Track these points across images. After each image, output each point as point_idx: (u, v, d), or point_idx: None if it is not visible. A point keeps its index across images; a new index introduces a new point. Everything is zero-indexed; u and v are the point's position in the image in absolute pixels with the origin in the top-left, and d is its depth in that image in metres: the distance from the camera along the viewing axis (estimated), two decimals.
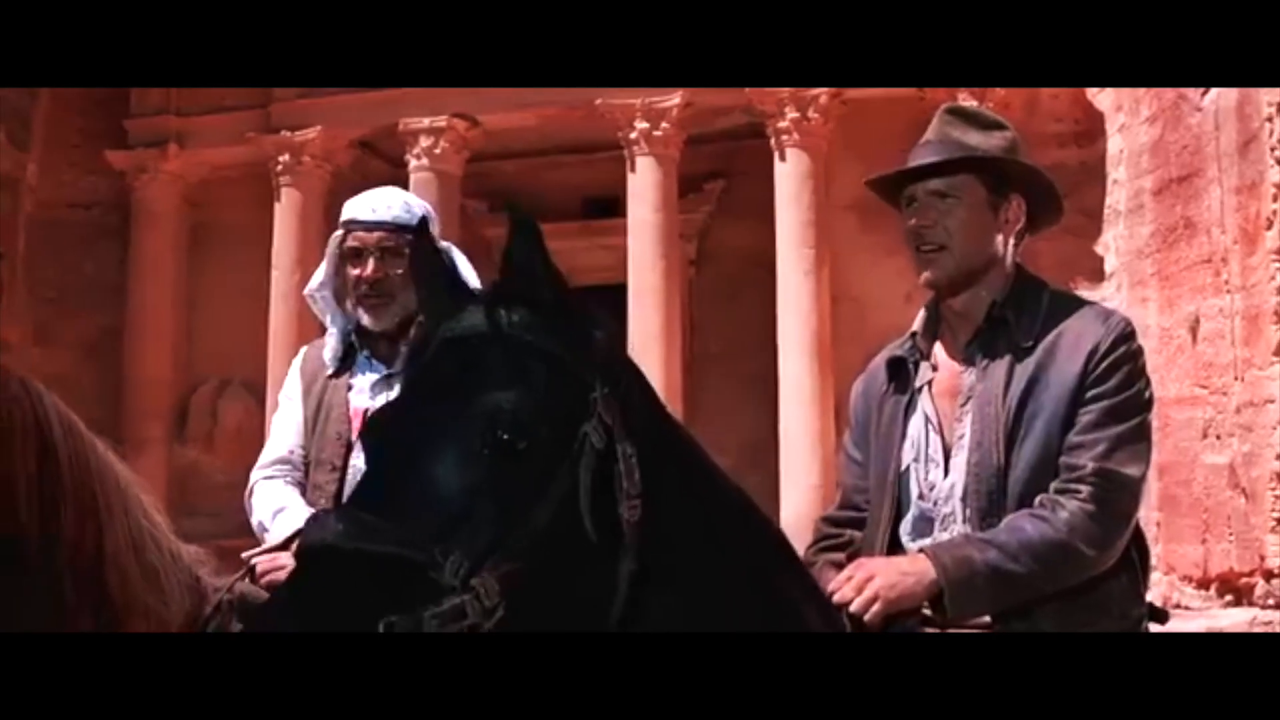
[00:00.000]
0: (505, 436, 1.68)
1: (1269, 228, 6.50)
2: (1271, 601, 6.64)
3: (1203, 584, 7.29)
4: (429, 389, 1.77)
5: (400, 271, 3.18)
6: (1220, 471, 7.02)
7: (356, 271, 3.25)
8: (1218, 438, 7.09)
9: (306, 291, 3.41)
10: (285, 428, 3.38)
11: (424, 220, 1.96)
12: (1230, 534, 6.93)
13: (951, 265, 2.54)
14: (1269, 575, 6.62)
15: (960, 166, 2.54)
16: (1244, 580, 6.86)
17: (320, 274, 3.37)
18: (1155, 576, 7.22)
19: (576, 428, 1.74)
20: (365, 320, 3.28)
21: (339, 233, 3.31)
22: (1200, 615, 6.87)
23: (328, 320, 3.39)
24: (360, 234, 3.25)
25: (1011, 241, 2.60)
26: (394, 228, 3.23)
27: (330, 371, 3.34)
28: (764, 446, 12.96)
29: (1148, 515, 7.44)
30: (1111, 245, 9.72)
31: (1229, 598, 7.02)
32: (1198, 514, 7.29)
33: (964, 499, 2.47)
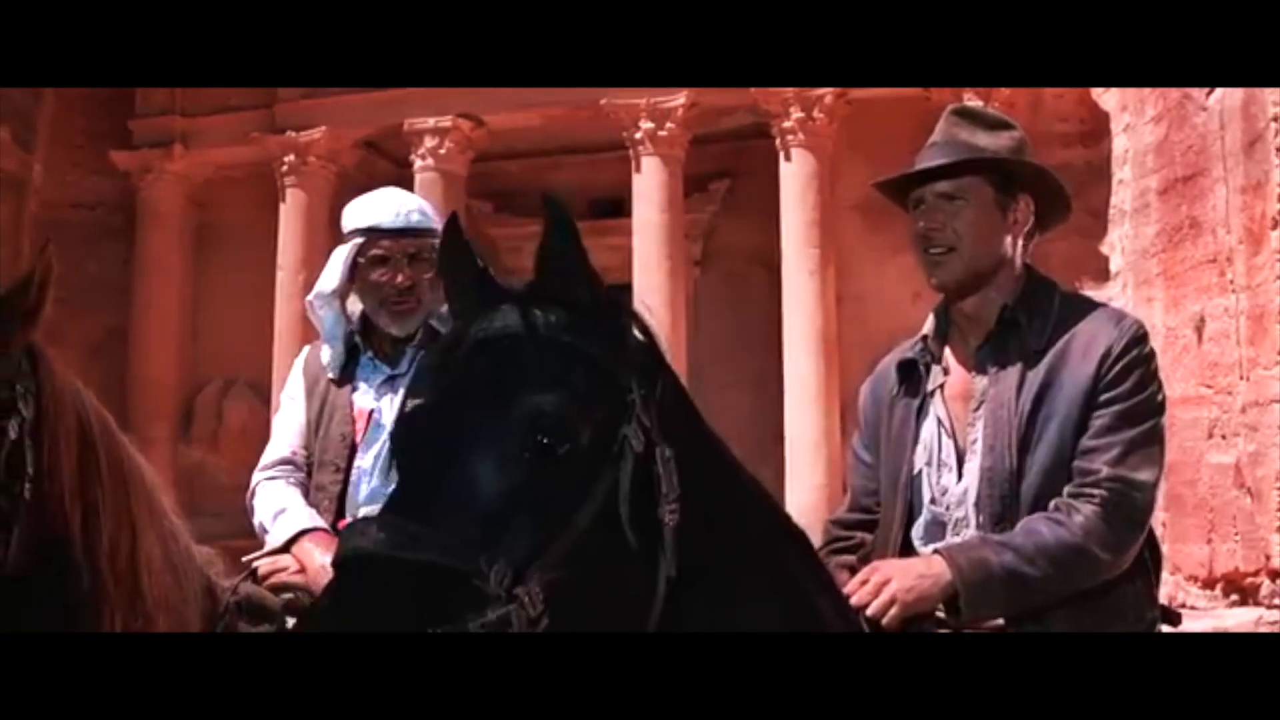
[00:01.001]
0: (546, 440, 1.64)
1: (1274, 227, 6.49)
2: (1278, 601, 6.63)
3: (1208, 584, 7.28)
4: (464, 390, 1.72)
5: (428, 276, 3.20)
6: (1226, 471, 7.01)
7: (384, 279, 3.21)
8: (1223, 437, 7.09)
9: (311, 297, 3.37)
10: (287, 428, 3.35)
11: (455, 216, 1.92)
12: (1236, 534, 6.92)
13: (960, 267, 2.53)
14: (1275, 575, 6.61)
15: (968, 168, 2.53)
16: (1249, 580, 6.85)
17: (333, 280, 3.30)
18: (1161, 576, 7.21)
19: (615, 430, 1.71)
20: (391, 326, 3.24)
21: (359, 240, 3.25)
22: (1206, 615, 6.86)
23: (326, 327, 3.35)
24: (386, 242, 3.22)
25: (1020, 242, 2.59)
26: (418, 233, 3.23)
27: (332, 377, 3.31)
28: (769, 446, 12.96)
29: (1154, 515, 7.42)
30: (1117, 245, 9.72)
31: (1234, 597, 7.01)
32: (1203, 514, 7.29)
33: (976, 504, 2.47)
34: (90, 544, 2.40)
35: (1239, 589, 6.97)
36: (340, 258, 3.29)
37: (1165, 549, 7.31)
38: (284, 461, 3.30)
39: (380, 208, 3.29)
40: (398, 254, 3.21)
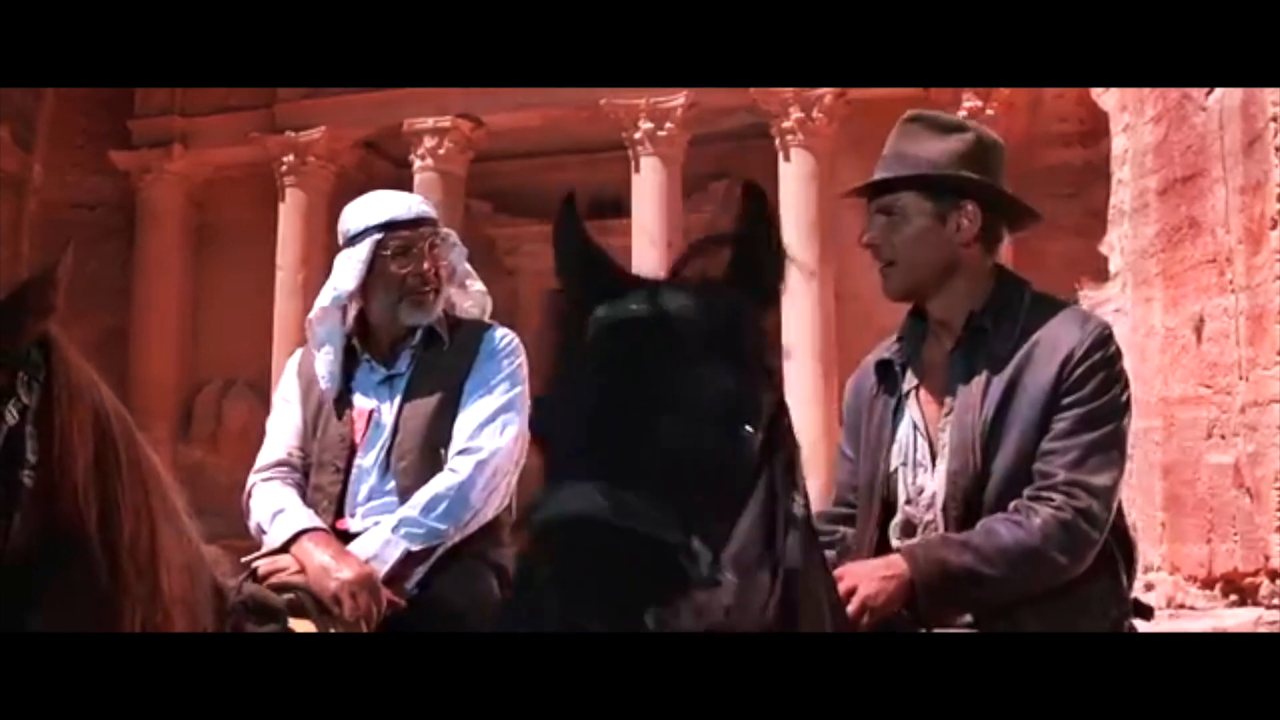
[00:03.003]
0: (736, 421, 1.61)
1: (1274, 227, 6.49)
2: (1277, 601, 6.63)
3: (1207, 584, 7.28)
4: (647, 363, 1.63)
5: (445, 264, 3.29)
6: (1225, 471, 7.01)
7: (407, 269, 3.24)
8: (1222, 437, 7.08)
9: (326, 303, 3.35)
10: (283, 429, 3.35)
11: (571, 196, 1.87)
12: (1235, 534, 6.92)
13: (900, 280, 2.58)
14: (1274, 575, 6.61)
15: (901, 184, 2.57)
16: (1249, 580, 6.85)
17: (351, 279, 3.29)
18: (1160, 576, 7.22)
19: (776, 420, 1.71)
20: (410, 317, 3.26)
21: (378, 235, 3.27)
22: (1205, 615, 6.86)
23: (321, 335, 3.33)
24: (406, 233, 3.27)
25: (978, 246, 2.59)
26: (430, 222, 3.31)
27: (325, 387, 3.31)
28: None
29: (1153, 515, 7.44)
30: (1116, 245, 9.71)
31: (1234, 598, 7.01)
32: (1202, 514, 7.28)
33: (943, 508, 2.48)
34: (109, 540, 2.40)
35: (1238, 589, 6.97)
36: (358, 257, 3.28)
37: (1164, 549, 7.35)
38: (280, 463, 3.30)
39: (390, 203, 3.35)
40: (420, 243, 3.26)
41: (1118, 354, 2.50)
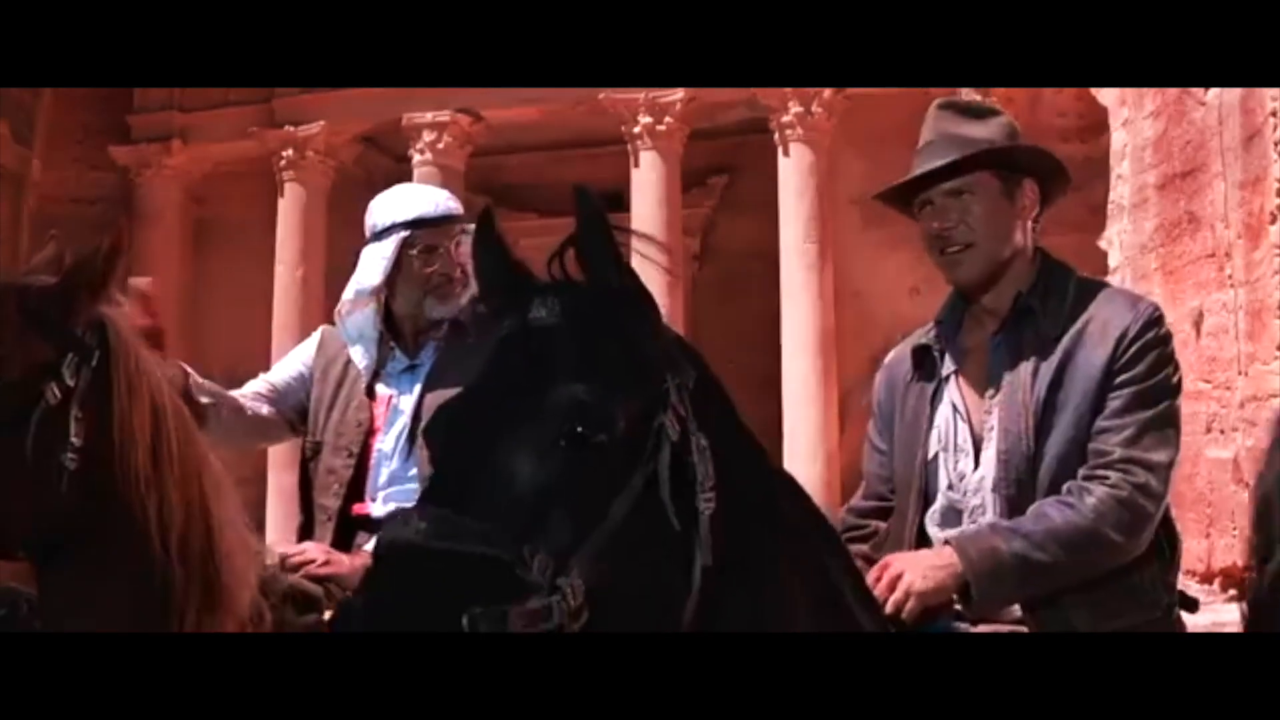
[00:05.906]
0: (583, 430, 1.64)
1: (1273, 222, 6.49)
2: None
3: (1206, 579, 7.29)
4: (501, 381, 1.73)
5: (469, 261, 3.30)
6: (1224, 466, 7.02)
7: (432, 268, 3.28)
8: (1221, 432, 7.09)
9: (349, 297, 3.38)
10: (278, 371, 3.46)
11: (488, 211, 1.94)
12: (1234, 529, 6.93)
13: (981, 261, 2.53)
14: None
15: (971, 162, 2.52)
16: (1248, 575, 6.85)
17: (375, 276, 3.32)
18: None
19: (651, 419, 1.71)
20: (435, 311, 3.30)
21: (404, 233, 3.29)
22: (1204, 610, 6.85)
23: (355, 329, 3.36)
24: (432, 231, 3.30)
25: (1030, 226, 2.58)
26: (457, 219, 3.34)
27: (363, 380, 3.33)
28: (767, 442, 12.88)
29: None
30: (1115, 240, 9.71)
31: (1232, 592, 7.02)
32: (1201, 508, 7.29)
33: (994, 489, 2.45)
34: (163, 536, 2.39)
35: (1237, 584, 6.98)
36: (383, 253, 3.31)
37: None
38: (255, 392, 3.45)
39: (418, 200, 3.38)
40: (446, 242, 3.29)
41: (1169, 335, 2.50)
